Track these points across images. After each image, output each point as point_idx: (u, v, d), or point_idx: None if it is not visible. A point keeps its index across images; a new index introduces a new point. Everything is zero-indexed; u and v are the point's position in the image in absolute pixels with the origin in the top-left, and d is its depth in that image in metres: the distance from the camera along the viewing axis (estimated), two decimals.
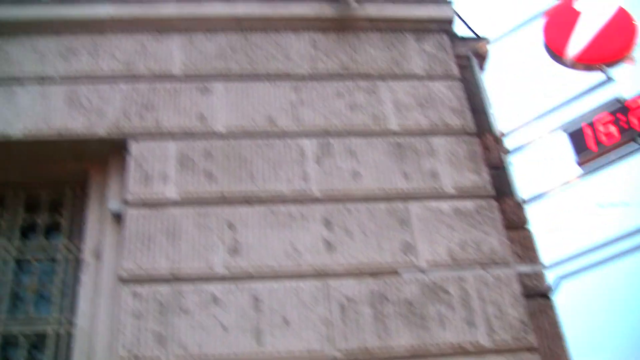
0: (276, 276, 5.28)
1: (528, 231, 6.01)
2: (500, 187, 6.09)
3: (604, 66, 6.03)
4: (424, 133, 6.13)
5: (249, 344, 5.00)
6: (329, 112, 6.15)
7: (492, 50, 7.07)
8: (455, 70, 6.62)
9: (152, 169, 5.73)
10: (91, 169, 6.17)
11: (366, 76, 6.45)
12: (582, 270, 5.49)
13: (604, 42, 6.12)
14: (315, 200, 5.65)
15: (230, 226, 5.47)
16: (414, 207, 5.71)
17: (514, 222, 5.99)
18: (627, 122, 5.71)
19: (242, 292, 5.19)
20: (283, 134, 5.98)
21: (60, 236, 6.08)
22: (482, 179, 5.93)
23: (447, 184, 5.86)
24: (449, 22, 6.94)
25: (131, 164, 5.76)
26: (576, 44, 6.17)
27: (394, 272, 5.36)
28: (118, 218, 5.64)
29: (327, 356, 5.00)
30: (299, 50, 6.57)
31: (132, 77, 6.28)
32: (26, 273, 5.96)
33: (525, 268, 5.67)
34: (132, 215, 5.50)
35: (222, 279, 5.24)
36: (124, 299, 5.12)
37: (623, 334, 21.38)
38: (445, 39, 6.86)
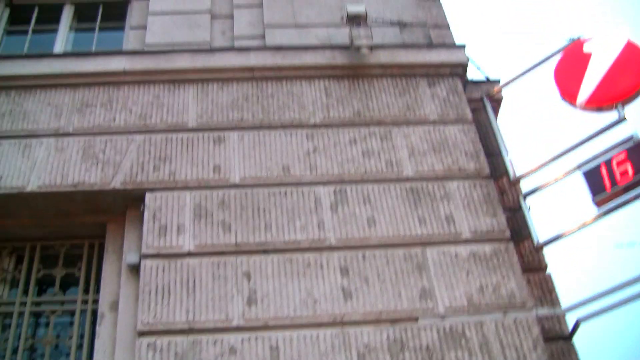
0: (294, 325, 5.34)
1: (546, 273, 6.04)
2: (517, 230, 6.15)
3: (617, 105, 6.07)
4: (438, 178, 6.22)
5: None
6: (344, 160, 6.26)
7: (506, 93, 7.18)
8: (468, 114, 6.71)
9: (168, 220, 5.83)
10: (107, 221, 6.29)
11: (380, 122, 6.57)
12: (603, 312, 5.48)
13: (615, 80, 6.17)
14: (331, 248, 5.73)
15: (247, 276, 5.55)
16: (431, 253, 5.78)
17: (532, 265, 6.04)
18: None
19: (259, 342, 5.25)
20: (298, 183, 6.09)
21: (77, 289, 6.19)
22: (498, 222, 5.98)
23: (464, 228, 5.92)
24: (462, 66, 7.07)
25: (147, 215, 5.88)
26: (587, 88, 6.22)
27: (413, 319, 5.40)
28: (135, 270, 5.74)
29: None
30: (312, 99, 6.72)
31: (147, 129, 6.44)
32: (42, 326, 6.06)
33: (544, 311, 5.70)
34: (149, 266, 5.60)
35: (240, 329, 5.30)
36: (141, 351, 5.19)
37: None
38: (458, 83, 6.99)
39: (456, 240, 5.85)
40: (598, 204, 5.81)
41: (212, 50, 7.06)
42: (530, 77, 6.92)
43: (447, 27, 7.76)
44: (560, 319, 5.75)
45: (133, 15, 7.96)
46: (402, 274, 5.62)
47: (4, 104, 6.64)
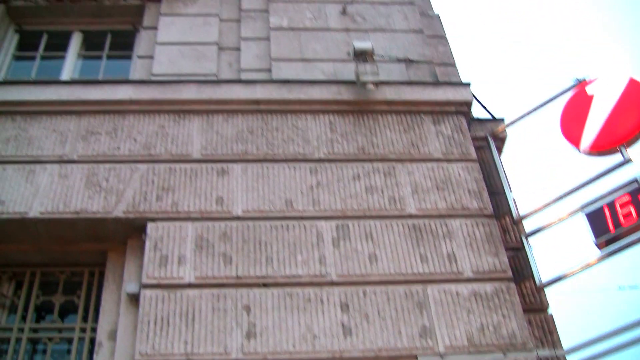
0: None
1: (548, 314, 6.03)
2: (519, 270, 6.17)
3: (620, 147, 6.09)
4: (441, 215, 6.24)
5: None
6: (347, 195, 6.30)
7: (510, 132, 7.21)
8: (472, 153, 6.76)
9: (169, 250, 5.86)
10: (108, 249, 6.32)
11: (384, 158, 6.62)
12: (604, 355, 5.45)
13: (617, 122, 6.19)
14: (332, 283, 5.75)
15: (247, 309, 5.56)
16: (432, 291, 5.79)
17: (534, 305, 6.04)
18: None
19: None
20: (300, 217, 6.13)
21: (76, 316, 6.19)
22: (500, 261, 6.00)
23: (465, 267, 5.94)
24: (467, 104, 7.13)
25: (148, 245, 5.91)
26: (589, 133, 6.25)
27: (412, 357, 5.41)
28: (134, 299, 5.76)
29: None
30: (317, 133, 6.77)
31: (151, 159, 6.50)
32: (40, 353, 6.06)
33: (545, 352, 5.69)
34: (148, 297, 5.62)
35: None
36: None
37: None
38: (463, 121, 7.04)
39: (458, 279, 5.86)
40: (601, 245, 5.79)
41: (218, 82, 7.13)
42: (535, 117, 6.96)
43: (453, 64, 7.84)
44: None
45: (141, 45, 8.06)
46: (403, 312, 5.62)
47: (9, 129, 6.69)
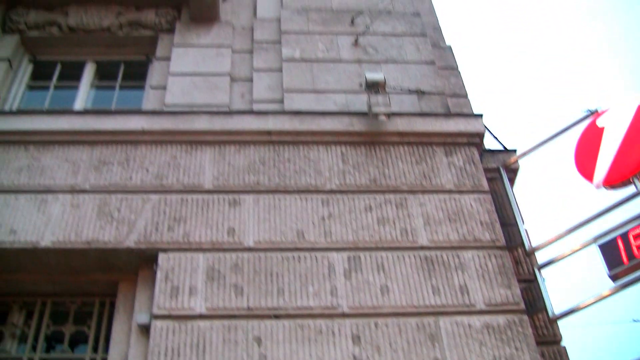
0: None
1: (561, 346, 6.01)
2: (532, 302, 6.16)
3: (633, 178, 6.09)
4: (453, 247, 6.25)
5: None
6: (358, 226, 6.32)
7: (522, 163, 7.23)
8: (484, 184, 6.78)
9: (180, 281, 5.88)
10: (119, 280, 6.35)
11: (396, 190, 6.64)
12: None
13: (628, 154, 6.19)
14: (344, 315, 5.75)
15: (258, 341, 5.56)
16: (444, 323, 5.78)
17: (547, 337, 6.03)
18: None
19: None
20: (312, 248, 6.15)
21: (86, 347, 6.21)
22: (513, 293, 6.00)
23: (478, 299, 5.93)
24: (479, 135, 7.16)
25: (159, 275, 5.94)
26: (602, 167, 6.25)
27: None
28: (145, 330, 5.78)
29: None
30: (329, 164, 6.81)
31: (163, 189, 6.54)
32: None
33: None
34: (159, 327, 5.63)
35: None
36: None
37: None
38: (475, 152, 7.07)
39: (470, 311, 5.86)
40: (614, 277, 5.79)
41: (230, 112, 7.20)
42: (547, 148, 6.98)
43: (465, 96, 7.88)
44: None
45: (153, 75, 8.15)
46: (415, 344, 5.62)
47: (22, 158, 6.76)
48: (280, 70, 7.90)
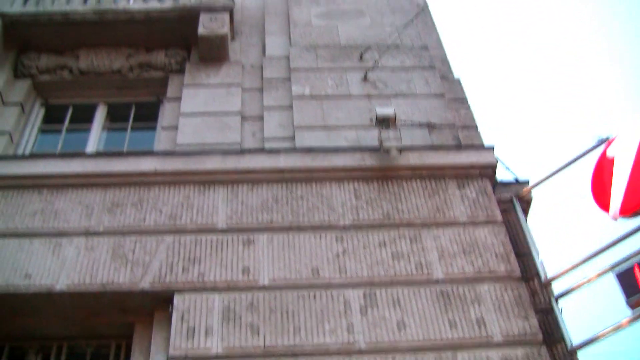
0: None
1: None
2: (550, 333, 6.13)
3: None
4: (469, 280, 6.25)
5: None
6: (373, 262, 6.33)
7: (535, 193, 7.23)
8: (498, 216, 6.78)
9: (196, 322, 5.89)
10: (135, 321, 6.36)
11: (409, 224, 6.66)
12: None
13: (638, 182, 6.20)
14: (361, 352, 5.75)
15: None
16: (462, 357, 5.77)
17: None
18: None
19: None
20: (327, 285, 6.16)
21: None
22: (530, 325, 5.99)
23: (495, 331, 5.92)
24: (491, 167, 7.18)
25: (175, 317, 5.95)
26: (616, 198, 6.23)
27: None
28: None
29: None
30: (342, 201, 6.84)
31: (177, 230, 6.58)
32: None
33: None
34: None
35: None
36: None
37: None
38: (487, 184, 7.09)
39: (488, 344, 5.84)
40: (632, 306, 5.74)
41: (242, 151, 7.26)
42: (559, 177, 6.98)
43: (476, 128, 7.91)
44: None
45: (165, 116, 8.24)
46: None
47: (36, 202, 6.83)
48: (290, 107, 7.97)
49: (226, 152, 7.17)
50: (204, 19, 8.71)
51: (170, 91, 8.54)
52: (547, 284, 6.45)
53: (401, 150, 6.97)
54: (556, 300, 6.30)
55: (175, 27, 8.98)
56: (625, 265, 5.92)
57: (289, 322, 5.89)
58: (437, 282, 6.23)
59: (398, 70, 8.43)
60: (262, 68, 8.65)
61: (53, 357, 6.39)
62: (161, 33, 9.01)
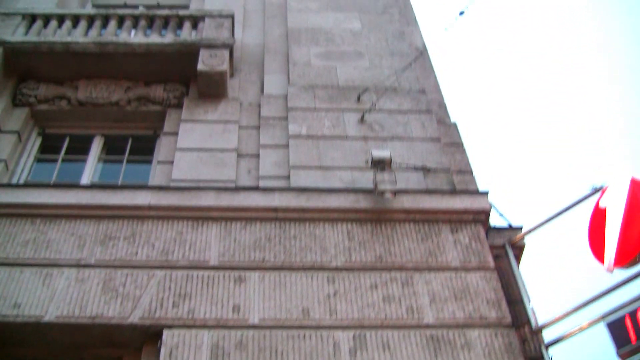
0: None
1: None
2: None
3: (638, 256, 6.06)
4: (459, 326, 6.25)
5: None
6: (364, 304, 6.34)
7: (528, 239, 7.25)
8: (490, 262, 6.81)
9: (185, 358, 5.90)
10: (123, 355, 6.37)
11: (401, 268, 6.68)
12: None
13: (631, 232, 6.17)
14: None
15: None
16: None
17: None
18: None
19: None
20: (317, 326, 6.16)
21: None
22: None
23: None
24: (485, 213, 7.22)
25: (164, 352, 5.94)
26: (609, 250, 6.23)
27: None
28: None
29: None
30: (335, 242, 6.86)
31: (169, 265, 6.60)
32: None
33: None
34: None
35: None
36: None
37: None
38: (480, 229, 7.12)
39: None
40: (623, 357, 5.73)
41: (237, 189, 7.29)
42: (553, 224, 7.01)
43: (471, 172, 7.96)
44: None
45: (161, 150, 8.28)
46: None
47: (28, 231, 6.84)
48: (286, 146, 8.01)
49: (221, 189, 7.20)
50: (203, 55, 8.80)
51: (168, 125, 8.59)
52: (537, 332, 6.45)
53: (395, 193, 7.01)
54: (546, 348, 6.30)
55: (175, 62, 9.06)
56: (616, 315, 5.93)
57: None
58: (427, 326, 6.23)
59: (395, 113, 8.50)
60: (259, 106, 8.71)
61: None
62: (161, 67, 9.09)
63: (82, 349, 6.35)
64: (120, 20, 9.68)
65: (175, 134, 8.34)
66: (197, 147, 8.01)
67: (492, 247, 7.05)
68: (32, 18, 9.59)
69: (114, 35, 9.33)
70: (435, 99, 9.02)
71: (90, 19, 9.63)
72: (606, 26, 33.70)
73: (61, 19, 9.61)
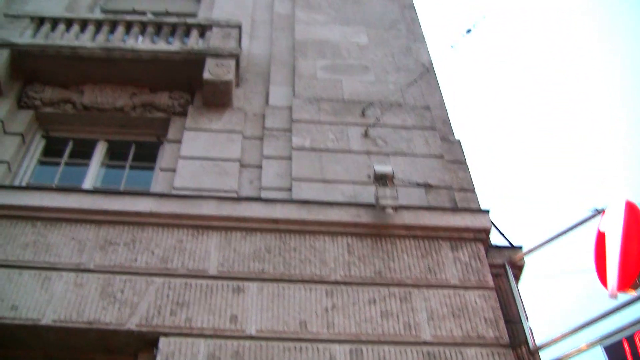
0: None
1: None
2: None
3: (638, 280, 6.05)
4: (456, 343, 6.26)
5: None
6: (362, 319, 6.34)
7: (528, 259, 7.25)
8: (490, 280, 6.81)
9: None
10: None
11: (400, 283, 6.68)
12: None
13: (630, 257, 6.16)
14: None
15: None
16: None
17: None
18: None
19: None
20: (314, 339, 6.16)
21: None
22: None
23: None
24: (485, 231, 7.23)
25: None
26: (611, 276, 6.19)
27: None
28: None
29: None
30: (335, 255, 6.87)
31: (167, 273, 6.61)
32: None
33: None
34: None
35: None
36: None
37: None
38: (480, 248, 7.13)
39: None
40: None
41: (238, 199, 7.31)
42: (553, 245, 7.00)
43: (473, 190, 7.98)
44: None
45: (164, 157, 8.31)
46: None
47: (29, 234, 6.86)
48: (289, 158, 8.04)
49: (222, 199, 7.22)
50: (210, 64, 8.84)
51: (172, 133, 8.63)
52: (534, 352, 6.45)
53: (397, 208, 7.03)
54: None
55: (180, 69, 9.11)
56: (614, 339, 5.90)
57: None
58: (424, 343, 6.23)
59: (399, 129, 8.52)
60: (264, 117, 8.75)
61: None
62: (166, 74, 9.14)
63: (78, 353, 6.35)
64: (128, 27, 9.72)
65: (179, 141, 8.37)
66: (200, 156, 8.04)
67: (492, 266, 7.05)
68: (40, 21, 9.65)
69: (121, 41, 9.37)
70: (439, 115, 9.04)
71: (98, 24, 9.67)
72: (611, 42, 33.80)
73: (69, 23, 9.66)
